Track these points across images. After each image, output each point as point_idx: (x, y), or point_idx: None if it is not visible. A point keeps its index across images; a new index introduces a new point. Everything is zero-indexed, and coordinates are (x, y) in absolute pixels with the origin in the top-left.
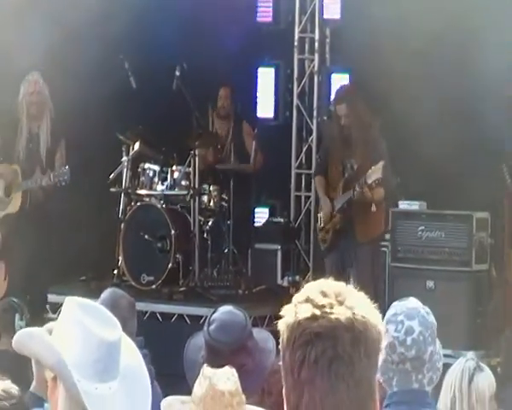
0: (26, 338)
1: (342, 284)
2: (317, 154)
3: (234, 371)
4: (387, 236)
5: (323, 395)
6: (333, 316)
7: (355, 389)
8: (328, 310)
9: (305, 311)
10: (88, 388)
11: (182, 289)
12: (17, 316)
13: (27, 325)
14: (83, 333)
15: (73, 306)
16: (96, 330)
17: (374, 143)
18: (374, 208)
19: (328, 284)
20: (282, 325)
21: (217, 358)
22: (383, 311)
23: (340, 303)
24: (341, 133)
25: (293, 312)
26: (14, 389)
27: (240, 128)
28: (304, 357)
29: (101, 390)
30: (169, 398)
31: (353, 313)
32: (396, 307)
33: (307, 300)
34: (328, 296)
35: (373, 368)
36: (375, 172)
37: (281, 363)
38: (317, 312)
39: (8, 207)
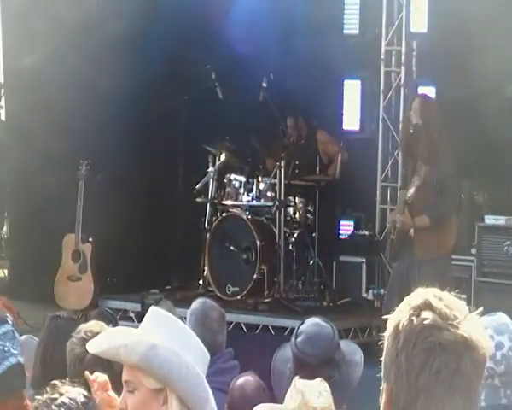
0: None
1: (460, 301)
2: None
3: (326, 385)
4: (473, 250)
5: (440, 406)
6: (458, 331)
7: (466, 405)
8: (453, 323)
9: (428, 317)
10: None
11: (267, 300)
12: (110, 326)
13: None
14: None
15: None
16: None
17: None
18: (411, 233)
19: (449, 297)
20: (395, 325)
21: (304, 370)
22: None
23: (464, 319)
24: (410, 139)
25: (413, 315)
26: (82, 396)
27: (313, 138)
28: (425, 364)
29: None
30: (261, 405)
31: (476, 334)
32: (485, 321)
33: (429, 306)
34: (451, 309)
35: (479, 391)
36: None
37: (387, 357)
38: (441, 322)
39: None
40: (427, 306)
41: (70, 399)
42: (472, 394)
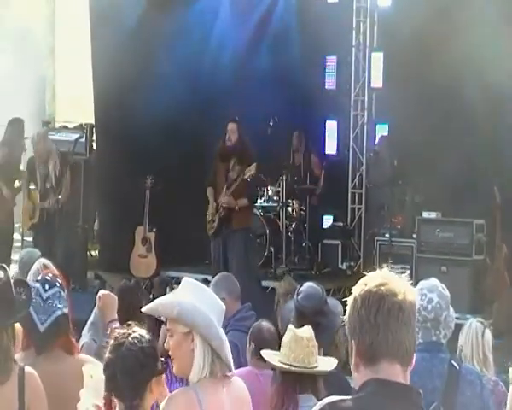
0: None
1: (392, 272)
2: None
3: (310, 327)
4: (414, 235)
5: (394, 333)
6: (397, 285)
7: (410, 334)
8: (393, 282)
9: (375, 282)
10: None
11: (273, 270)
12: (168, 288)
13: None
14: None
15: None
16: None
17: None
18: (237, 209)
19: (385, 271)
20: (353, 298)
21: (302, 317)
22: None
23: (399, 280)
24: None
25: (364, 285)
26: (147, 335)
27: (309, 159)
28: (379, 307)
29: (222, 333)
30: (265, 350)
31: (408, 287)
32: (422, 283)
33: (374, 277)
34: (388, 276)
35: (415, 326)
36: (251, 170)
37: (351, 320)
38: (385, 281)
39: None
40: (373, 278)
41: (141, 335)
42: (412, 327)
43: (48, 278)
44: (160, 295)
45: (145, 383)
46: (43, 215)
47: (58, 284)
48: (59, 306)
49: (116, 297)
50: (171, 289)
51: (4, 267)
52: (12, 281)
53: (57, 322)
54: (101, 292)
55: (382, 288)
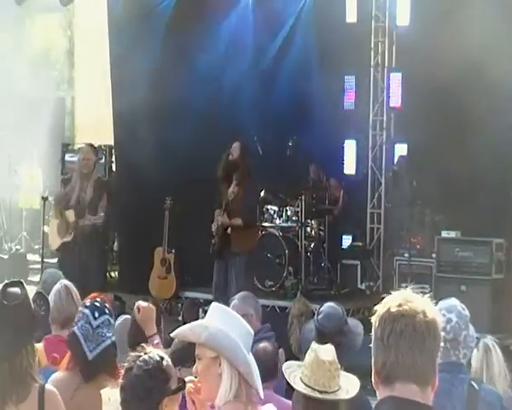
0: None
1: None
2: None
3: (333, 347)
4: (433, 255)
5: (405, 354)
6: (413, 305)
7: (424, 355)
8: (410, 303)
9: (396, 302)
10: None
11: (293, 290)
12: (200, 310)
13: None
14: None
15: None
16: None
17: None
18: (229, 231)
19: (407, 292)
20: (374, 321)
21: (322, 337)
22: None
23: (418, 300)
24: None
25: (385, 307)
26: (157, 356)
27: (328, 186)
28: (392, 328)
29: (250, 359)
30: (289, 362)
31: (427, 306)
32: (441, 303)
33: (394, 298)
34: (408, 297)
35: (436, 346)
36: None
37: (373, 339)
38: (403, 302)
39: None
40: (394, 298)
41: (150, 357)
42: (427, 347)
43: (97, 304)
44: (192, 318)
45: (155, 405)
46: (78, 235)
47: (107, 312)
48: (108, 335)
49: (154, 309)
50: (204, 311)
51: (22, 283)
52: (31, 296)
53: (106, 351)
54: (140, 304)
55: (400, 308)
